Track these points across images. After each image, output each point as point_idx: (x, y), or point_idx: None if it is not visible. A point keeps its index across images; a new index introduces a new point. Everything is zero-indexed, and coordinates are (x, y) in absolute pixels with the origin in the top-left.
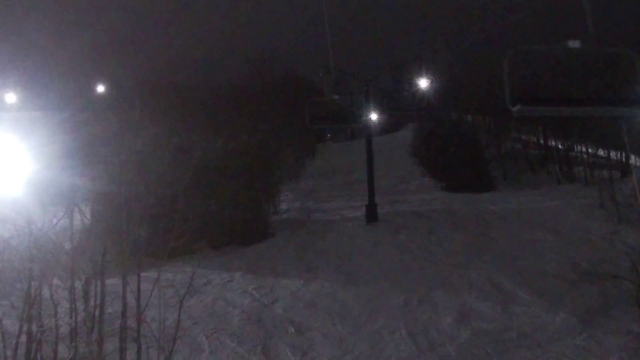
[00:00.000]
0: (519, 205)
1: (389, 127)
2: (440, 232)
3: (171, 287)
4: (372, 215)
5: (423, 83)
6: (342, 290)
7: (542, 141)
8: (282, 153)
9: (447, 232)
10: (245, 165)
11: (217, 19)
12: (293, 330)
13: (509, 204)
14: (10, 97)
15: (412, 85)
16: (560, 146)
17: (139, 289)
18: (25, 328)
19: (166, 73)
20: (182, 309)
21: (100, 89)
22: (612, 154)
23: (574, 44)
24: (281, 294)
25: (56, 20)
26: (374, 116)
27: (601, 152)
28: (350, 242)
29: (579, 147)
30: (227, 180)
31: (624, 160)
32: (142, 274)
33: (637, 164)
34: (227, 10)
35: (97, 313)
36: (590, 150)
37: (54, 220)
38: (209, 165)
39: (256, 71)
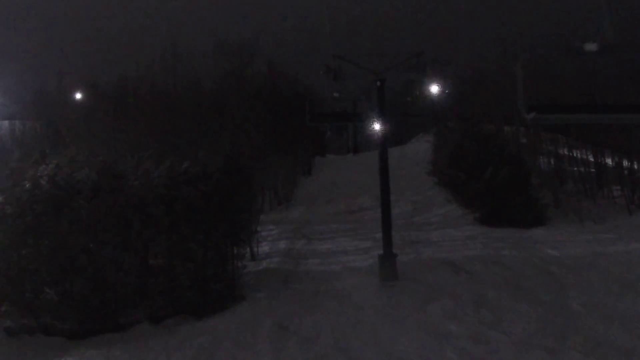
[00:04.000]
0: (588, 248)
1: (394, 138)
2: (494, 301)
3: None
4: (389, 271)
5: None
6: None
7: (592, 157)
8: (264, 174)
9: (503, 301)
10: (204, 198)
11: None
12: None
13: (573, 246)
14: None
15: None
16: (613, 163)
17: None
18: None
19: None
20: None
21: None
22: None
23: (591, 46)
24: None
25: (33, 23)
26: (377, 125)
27: None
28: (357, 319)
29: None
30: (175, 219)
31: None
32: None
33: None
34: None
35: None
36: None
37: None
38: (147, 197)
39: (233, 66)
